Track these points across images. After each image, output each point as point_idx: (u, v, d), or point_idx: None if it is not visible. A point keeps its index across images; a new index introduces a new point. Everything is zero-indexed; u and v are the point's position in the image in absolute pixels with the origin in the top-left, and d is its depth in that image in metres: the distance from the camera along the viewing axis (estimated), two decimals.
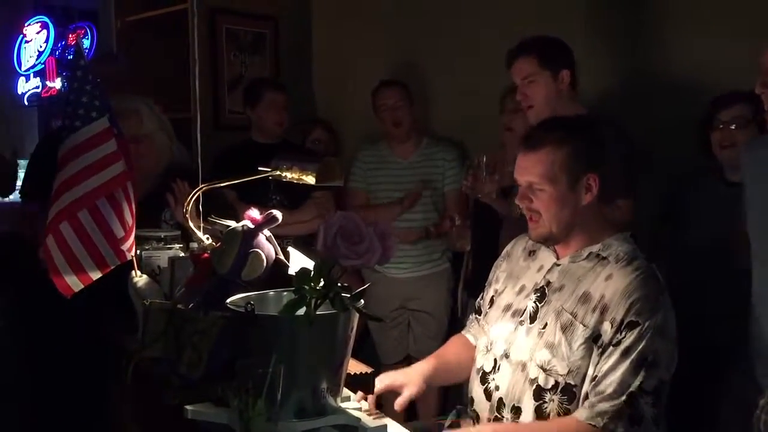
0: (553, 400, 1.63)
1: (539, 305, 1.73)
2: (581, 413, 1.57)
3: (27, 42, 6.71)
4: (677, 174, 2.72)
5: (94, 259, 1.92)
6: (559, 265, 1.76)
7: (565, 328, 1.64)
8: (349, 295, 1.44)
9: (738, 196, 1.98)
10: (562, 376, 1.62)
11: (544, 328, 1.69)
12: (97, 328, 2.17)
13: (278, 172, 1.92)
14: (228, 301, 1.54)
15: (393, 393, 1.76)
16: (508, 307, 1.81)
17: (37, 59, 6.62)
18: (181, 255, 2.10)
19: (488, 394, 1.75)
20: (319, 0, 4.44)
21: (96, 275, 1.94)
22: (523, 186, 1.74)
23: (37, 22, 6.66)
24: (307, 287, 1.41)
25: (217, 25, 4.15)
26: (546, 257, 1.81)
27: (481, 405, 1.77)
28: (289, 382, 1.34)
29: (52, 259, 1.88)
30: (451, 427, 1.64)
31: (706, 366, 2.26)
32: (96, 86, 1.94)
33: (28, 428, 2.75)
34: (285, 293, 1.60)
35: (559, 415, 1.63)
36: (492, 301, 1.89)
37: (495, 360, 1.77)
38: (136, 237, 2.04)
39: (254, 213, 1.74)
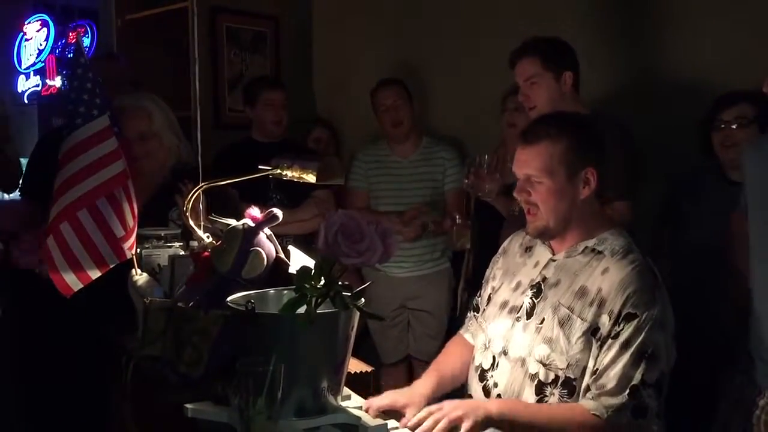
0: (553, 394, 1.63)
1: (536, 301, 1.73)
2: (588, 403, 1.58)
3: (27, 40, 6.71)
4: (678, 173, 2.72)
5: (93, 258, 1.92)
6: (554, 260, 1.76)
7: (563, 323, 1.65)
8: (349, 294, 1.44)
9: (739, 195, 1.98)
10: (561, 370, 1.63)
11: (541, 323, 1.69)
12: (96, 327, 2.17)
13: (279, 171, 1.91)
14: (228, 299, 1.54)
15: None
16: (504, 304, 1.82)
17: (37, 57, 6.62)
18: (181, 253, 2.10)
19: (487, 392, 1.76)
20: None
21: (95, 274, 1.93)
22: (521, 179, 1.74)
23: (37, 20, 6.66)
24: (307, 286, 1.41)
25: (218, 24, 4.15)
26: (541, 253, 1.81)
27: None
28: (289, 380, 1.33)
29: (52, 258, 1.88)
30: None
31: (706, 365, 2.26)
32: (96, 84, 1.94)
33: (27, 427, 2.75)
34: (285, 292, 1.60)
35: None
36: (489, 299, 1.89)
37: (493, 357, 1.77)
38: (137, 235, 2.04)
39: (255, 211, 1.74)
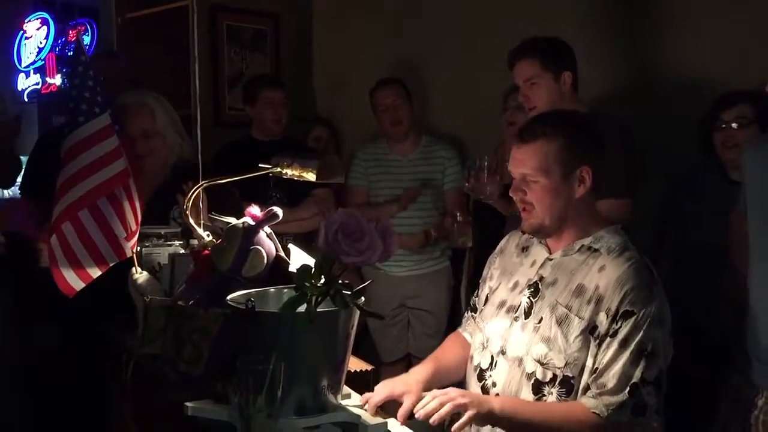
0: (551, 393, 1.64)
1: (533, 300, 1.74)
2: (588, 401, 1.58)
3: (27, 38, 6.70)
4: (679, 173, 2.72)
5: (94, 258, 1.92)
6: (551, 259, 1.76)
7: (561, 322, 1.65)
8: (349, 293, 1.44)
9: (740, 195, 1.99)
10: (559, 368, 1.63)
11: (539, 322, 1.69)
12: (97, 325, 2.17)
13: (279, 169, 1.91)
14: (228, 298, 1.54)
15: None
16: (502, 304, 1.82)
17: (37, 56, 6.62)
18: (181, 252, 2.10)
19: (485, 391, 1.76)
20: None
21: (96, 273, 1.93)
22: (517, 178, 1.75)
23: (37, 19, 6.65)
24: (307, 284, 1.41)
25: (218, 22, 4.15)
26: (538, 252, 1.81)
27: None
28: (289, 379, 1.34)
29: (55, 258, 1.88)
30: (452, 421, 1.64)
31: (705, 365, 2.26)
32: (98, 82, 1.94)
33: (27, 426, 2.75)
34: (285, 290, 1.60)
35: None
36: (486, 299, 1.90)
37: (491, 357, 1.77)
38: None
39: (255, 210, 1.74)
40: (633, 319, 1.58)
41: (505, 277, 1.87)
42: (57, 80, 6.42)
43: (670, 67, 2.89)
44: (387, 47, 4.02)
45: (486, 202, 2.68)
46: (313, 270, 1.42)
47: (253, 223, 1.72)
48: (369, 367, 1.87)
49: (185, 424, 1.49)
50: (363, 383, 1.75)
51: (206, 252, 1.80)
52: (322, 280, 1.41)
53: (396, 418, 1.54)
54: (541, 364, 1.65)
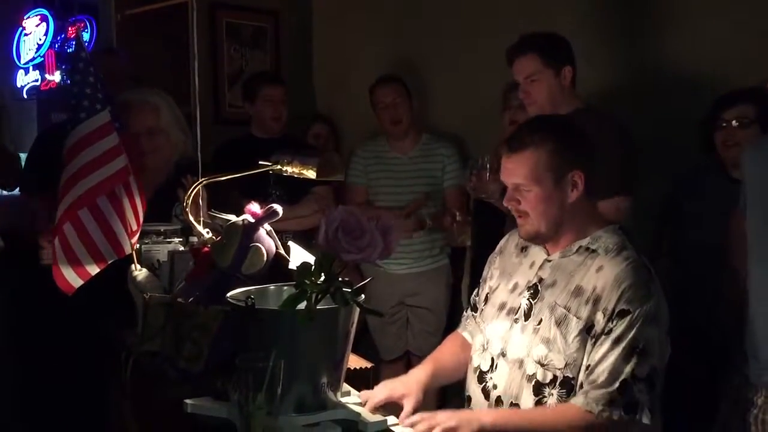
0: (552, 395, 1.63)
1: (533, 302, 1.73)
2: (577, 400, 1.59)
3: (26, 35, 6.68)
4: (679, 173, 2.72)
5: (93, 256, 1.92)
6: (550, 260, 1.76)
7: (560, 323, 1.65)
8: (350, 290, 1.44)
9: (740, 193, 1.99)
10: (559, 369, 1.63)
11: (539, 324, 1.69)
12: (96, 323, 2.17)
13: (279, 166, 1.91)
14: (228, 295, 1.54)
15: None
16: (502, 306, 1.82)
17: (36, 52, 6.59)
18: (180, 249, 2.10)
19: (486, 393, 1.76)
20: None
21: (94, 270, 1.93)
22: (510, 188, 1.75)
23: (36, 15, 6.63)
24: (308, 282, 1.41)
25: (218, 19, 4.15)
26: (537, 254, 1.81)
27: (479, 404, 1.77)
28: (289, 376, 1.34)
29: (56, 258, 1.88)
30: None
31: (705, 365, 2.26)
32: (98, 78, 1.94)
33: (27, 422, 2.75)
34: (285, 288, 1.60)
35: None
36: (486, 298, 1.90)
37: (492, 359, 1.77)
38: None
39: (255, 207, 1.74)
40: (628, 318, 1.58)
41: (504, 278, 1.87)
42: (56, 77, 6.40)
43: (670, 67, 2.89)
44: (387, 44, 4.02)
45: (488, 201, 2.68)
46: (313, 267, 1.42)
47: (252, 220, 1.72)
48: (369, 365, 1.87)
49: (185, 421, 1.49)
50: (363, 381, 1.75)
51: (206, 249, 1.80)
52: (322, 278, 1.41)
53: (394, 411, 1.55)
54: (542, 365, 1.65)
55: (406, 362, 3.50)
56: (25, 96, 6.65)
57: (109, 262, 1.97)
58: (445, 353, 1.93)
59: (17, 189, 3.28)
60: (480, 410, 1.73)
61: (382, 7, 4.07)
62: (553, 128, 1.75)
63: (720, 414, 1.97)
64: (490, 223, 2.78)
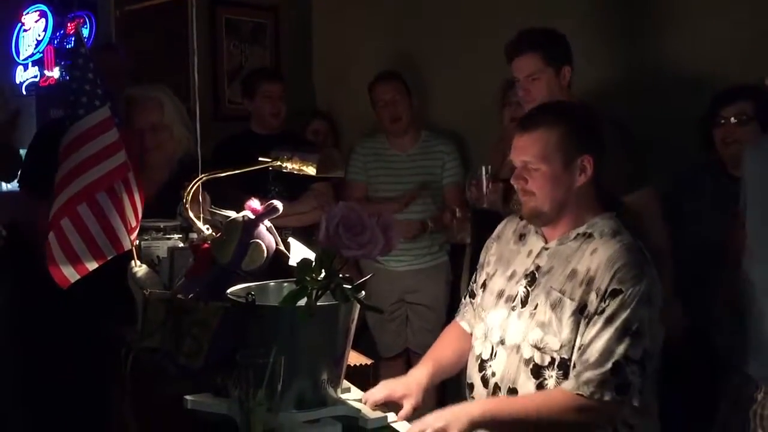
0: (551, 377, 1.64)
1: (530, 289, 1.75)
2: (567, 384, 1.60)
3: (25, 31, 6.66)
4: (679, 171, 2.72)
5: (92, 252, 1.92)
6: (547, 248, 1.77)
7: (555, 306, 1.66)
8: (350, 286, 1.44)
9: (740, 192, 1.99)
10: (556, 351, 1.64)
11: (535, 309, 1.71)
12: (96, 319, 2.17)
13: (279, 163, 1.91)
14: (228, 291, 1.54)
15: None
16: (500, 294, 1.83)
17: (35, 48, 6.58)
18: (180, 245, 2.10)
19: (485, 381, 1.77)
20: None
21: (93, 266, 1.93)
22: (518, 166, 1.76)
23: (35, 11, 6.61)
24: (308, 278, 1.41)
25: (217, 15, 4.14)
26: (534, 242, 1.82)
27: (479, 391, 1.79)
28: (289, 372, 1.34)
29: (52, 252, 1.88)
30: None
31: (705, 365, 2.26)
32: (97, 74, 1.94)
33: (27, 419, 2.75)
34: (285, 284, 1.60)
35: None
36: (484, 285, 1.90)
37: (492, 347, 1.78)
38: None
39: (255, 203, 1.74)
40: (620, 297, 1.59)
41: (502, 265, 1.87)
42: (55, 73, 6.38)
43: (670, 67, 2.88)
44: (387, 40, 4.01)
45: (488, 209, 2.68)
46: (313, 264, 1.42)
47: (252, 216, 1.72)
48: (369, 362, 1.87)
49: (185, 417, 1.49)
50: (363, 377, 1.75)
51: (206, 245, 1.80)
52: (323, 274, 1.41)
53: (395, 410, 1.55)
54: (538, 348, 1.66)
55: (406, 359, 3.50)
56: (24, 92, 6.63)
57: (108, 258, 1.96)
58: (444, 349, 1.93)
59: (14, 185, 3.28)
60: (468, 403, 1.75)
61: (382, 3, 4.06)
62: (568, 111, 1.78)
63: (720, 414, 1.97)
64: (489, 221, 2.77)
